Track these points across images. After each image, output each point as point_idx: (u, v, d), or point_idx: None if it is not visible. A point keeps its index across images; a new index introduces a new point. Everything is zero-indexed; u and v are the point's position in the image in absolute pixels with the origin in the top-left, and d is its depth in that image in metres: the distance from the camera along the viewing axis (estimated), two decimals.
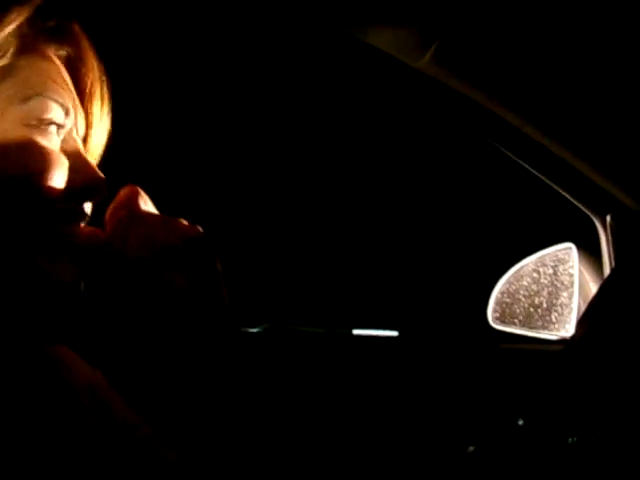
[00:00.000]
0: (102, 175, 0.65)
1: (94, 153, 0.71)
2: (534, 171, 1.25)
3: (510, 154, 1.25)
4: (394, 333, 1.46)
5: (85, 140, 0.70)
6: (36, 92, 0.61)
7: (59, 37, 0.66)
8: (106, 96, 0.71)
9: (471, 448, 1.16)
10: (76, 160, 0.64)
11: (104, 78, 0.70)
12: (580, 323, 1.24)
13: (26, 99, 0.60)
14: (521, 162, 1.25)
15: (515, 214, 1.55)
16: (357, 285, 1.63)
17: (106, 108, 0.71)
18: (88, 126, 0.70)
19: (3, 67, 0.60)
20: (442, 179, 1.62)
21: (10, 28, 0.60)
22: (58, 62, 0.66)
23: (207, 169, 1.76)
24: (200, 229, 0.66)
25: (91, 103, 0.69)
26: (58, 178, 0.62)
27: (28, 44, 0.62)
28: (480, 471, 1.19)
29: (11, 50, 0.60)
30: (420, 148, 1.55)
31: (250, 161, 1.71)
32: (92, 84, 0.69)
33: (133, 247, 0.63)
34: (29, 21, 0.62)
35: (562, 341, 1.27)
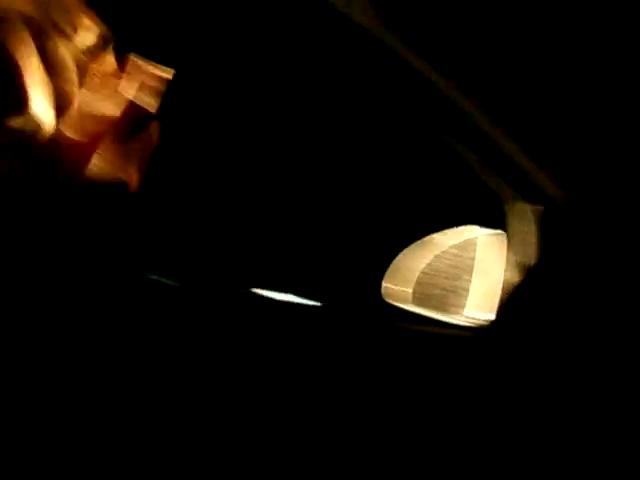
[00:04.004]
0: None
1: None
2: (462, 148, 1.20)
3: (444, 131, 1.19)
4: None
5: None
6: None
7: None
8: None
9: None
10: None
11: None
12: (500, 312, 1.21)
13: None
14: (449, 136, 1.20)
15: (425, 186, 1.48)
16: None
17: None
18: None
19: None
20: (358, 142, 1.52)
21: None
22: None
23: None
24: None
25: None
26: None
27: None
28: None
29: None
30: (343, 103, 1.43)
31: None
32: None
33: None
34: None
35: (476, 328, 1.23)
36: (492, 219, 1.26)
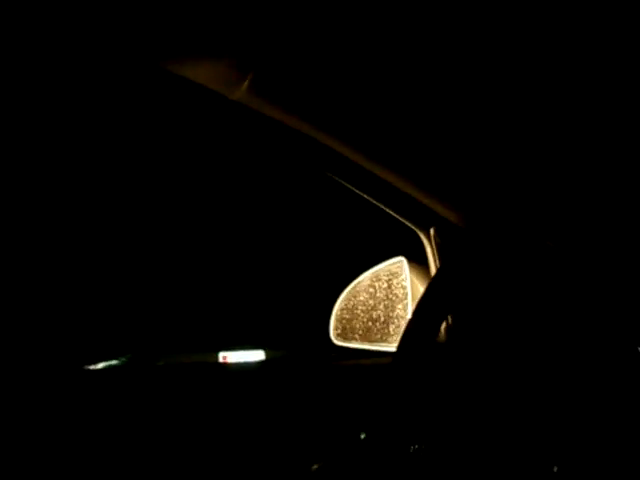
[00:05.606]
0: None
1: None
2: (360, 192, 1.29)
3: (339, 180, 1.28)
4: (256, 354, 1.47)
5: None
6: None
7: None
8: None
9: (315, 466, 1.19)
10: None
11: None
12: (404, 334, 1.30)
13: None
14: (349, 185, 1.29)
15: (348, 234, 1.60)
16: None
17: None
18: None
19: None
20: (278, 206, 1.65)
21: None
22: None
23: None
24: None
25: None
26: None
27: None
28: None
29: None
30: (245, 177, 1.57)
31: None
32: None
33: None
34: None
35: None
36: (401, 250, 1.36)
